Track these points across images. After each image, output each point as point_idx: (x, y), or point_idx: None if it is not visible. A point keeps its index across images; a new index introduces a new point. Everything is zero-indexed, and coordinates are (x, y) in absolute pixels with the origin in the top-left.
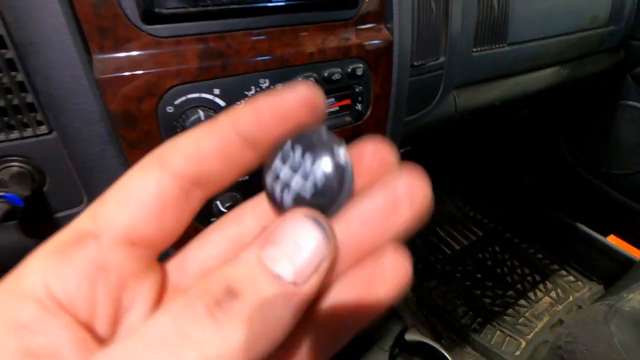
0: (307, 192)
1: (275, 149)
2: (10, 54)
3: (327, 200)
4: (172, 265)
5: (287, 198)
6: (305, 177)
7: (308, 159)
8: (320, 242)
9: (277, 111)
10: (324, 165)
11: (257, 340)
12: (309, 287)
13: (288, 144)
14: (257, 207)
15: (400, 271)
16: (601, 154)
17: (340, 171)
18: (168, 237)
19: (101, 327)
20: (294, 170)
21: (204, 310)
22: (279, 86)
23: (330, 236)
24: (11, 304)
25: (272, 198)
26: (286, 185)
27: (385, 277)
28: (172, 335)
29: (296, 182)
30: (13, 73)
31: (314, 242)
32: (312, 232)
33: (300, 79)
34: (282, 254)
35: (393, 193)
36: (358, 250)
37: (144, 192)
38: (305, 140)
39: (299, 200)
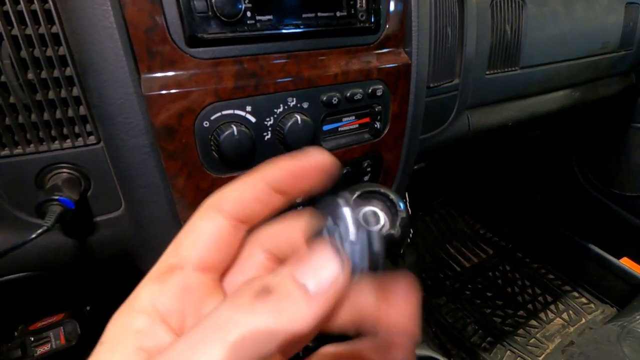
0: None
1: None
2: (69, 71)
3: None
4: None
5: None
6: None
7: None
8: (338, 270)
9: (297, 171)
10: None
11: (281, 328)
12: (325, 300)
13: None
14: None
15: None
16: (613, 175)
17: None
18: (228, 261)
19: None
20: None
21: (247, 299)
22: (305, 105)
23: (345, 269)
24: (130, 317)
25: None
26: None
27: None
28: (224, 318)
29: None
30: (70, 88)
31: (333, 268)
32: (334, 261)
33: (324, 99)
34: (309, 272)
35: None
36: None
37: (209, 232)
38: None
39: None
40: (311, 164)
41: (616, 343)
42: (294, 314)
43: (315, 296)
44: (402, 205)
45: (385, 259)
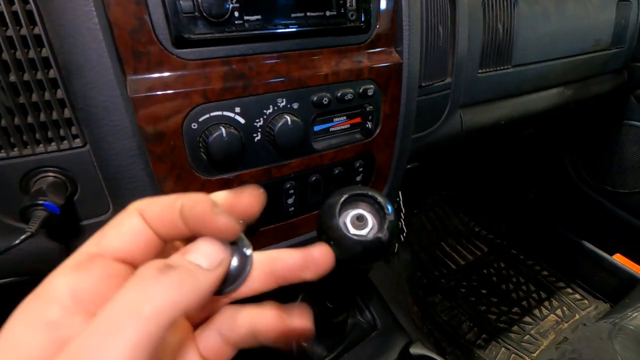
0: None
1: None
2: (53, 73)
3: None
4: None
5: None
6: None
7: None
8: (223, 254)
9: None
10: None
11: (185, 297)
12: (216, 273)
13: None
14: None
15: None
16: (606, 172)
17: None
18: (147, 258)
19: None
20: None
21: (152, 274)
22: (295, 105)
23: (225, 252)
24: (41, 308)
25: None
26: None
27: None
28: (135, 295)
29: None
30: (54, 90)
31: (218, 253)
32: (217, 246)
33: (314, 99)
34: (199, 254)
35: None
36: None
37: (131, 229)
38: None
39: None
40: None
41: (607, 340)
42: (194, 284)
43: (208, 270)
44: (390, 208)
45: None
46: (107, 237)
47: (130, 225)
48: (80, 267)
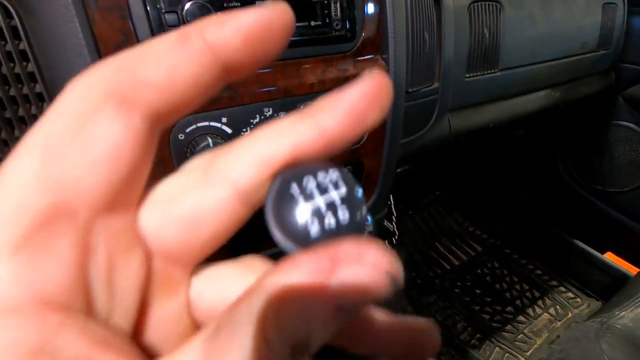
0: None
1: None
2: (39, 87)
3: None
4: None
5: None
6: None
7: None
8: None
9: (257, 30)
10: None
11: None
12: None
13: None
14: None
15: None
16: (596, 171)
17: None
18: (139, 189)
19: (100, 317)
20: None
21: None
22: (282, 114)
23: None
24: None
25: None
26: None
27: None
28: None
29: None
30: (41, 104)
31: None
32: None
33: (302, 107)
34: None
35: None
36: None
37: (115, 142)
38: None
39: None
40: (271, 17)
41: (595, 340)
42: None
43: None
44: (369, 219)
45: None
46: (70, 171)
47: (112, 136)
48: (31, 244)
